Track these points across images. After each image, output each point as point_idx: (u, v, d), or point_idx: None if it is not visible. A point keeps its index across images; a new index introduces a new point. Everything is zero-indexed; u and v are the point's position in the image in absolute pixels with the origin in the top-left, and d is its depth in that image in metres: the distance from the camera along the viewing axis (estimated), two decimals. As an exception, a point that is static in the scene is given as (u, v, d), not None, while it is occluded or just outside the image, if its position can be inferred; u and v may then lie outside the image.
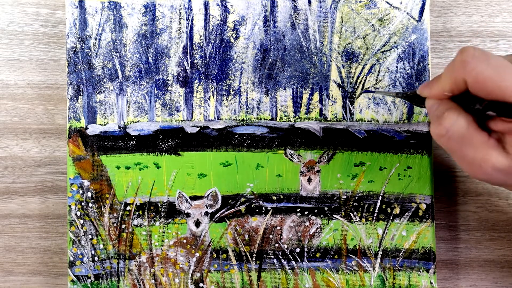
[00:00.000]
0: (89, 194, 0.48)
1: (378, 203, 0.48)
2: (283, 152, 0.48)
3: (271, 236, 0.48)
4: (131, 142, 0.48)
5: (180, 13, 0.48)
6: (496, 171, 0.31)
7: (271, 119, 0.48)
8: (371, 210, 0.48)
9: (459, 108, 0.32)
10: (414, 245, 0.48)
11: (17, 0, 0.51)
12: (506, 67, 0.30)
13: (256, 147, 0.48)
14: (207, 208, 0.48)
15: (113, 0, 0.48)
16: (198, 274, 0.48)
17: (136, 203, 0.48)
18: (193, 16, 0.48)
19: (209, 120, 0.48)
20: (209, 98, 0.48)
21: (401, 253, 0.48)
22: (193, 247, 0.48)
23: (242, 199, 0.48)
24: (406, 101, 0.46)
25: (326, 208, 0.48)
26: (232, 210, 0.48)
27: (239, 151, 0.48)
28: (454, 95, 0.33)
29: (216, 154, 0.48)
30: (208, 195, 0.48)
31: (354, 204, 0.48)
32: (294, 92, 0.48)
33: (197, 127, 0.48)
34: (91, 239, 0.48)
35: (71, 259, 0.48)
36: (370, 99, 0.48)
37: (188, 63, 0.48)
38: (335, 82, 0.48)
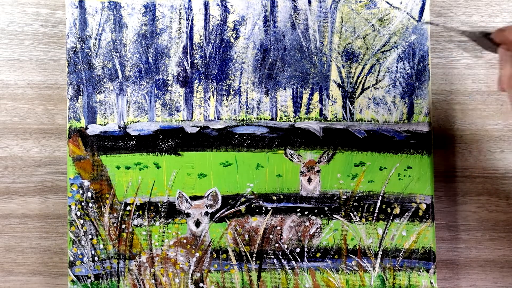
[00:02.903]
0: (89, 194, 0.48)
1: (378, 203, 0.48)
2: (283, 152, 0.48)
3: (271, 236, 0.48)
4: (131, 142, 0.48)
5: (180, 13, 0.48)
6: None
7: (271, 119, 0.48)
8: (371, 210, 0.48)
9: None
10: (414, 245, 0.48)
11: (17, 0, 0.51)
12: None
13: (256, 147, 0.48)
14: (207, 208, 0.48)
15: (113, 0, 0.48)
16: (198, 274, 0.48)
17: (136, 203, 0.48)
18: (193, 16, 0.48)
19: (209, 120, 0.48)
20: (209, 98, 0.48)
21: (401, 253, 0.48)
22: (193, 247, 0.48)
23: (242, 199, 0.48)
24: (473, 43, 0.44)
25: (326, 208, 0.48)
26: (232, 210, 0.48)
27: (239, 151, 0.48)
28: None
29: (216, 154, 0.48)
30: (208, 195, 0.48)
31: (354, 204, 0.48)
32: (294, 92, 0.48)
33: (197, 127, 0.48)
34: (91, 239, 0.48)
35: (71, 259, 0.48)
36: (370, 99, 0.48)
37: (188, 63, 0.48)
38: (335, 82, 0.48)
